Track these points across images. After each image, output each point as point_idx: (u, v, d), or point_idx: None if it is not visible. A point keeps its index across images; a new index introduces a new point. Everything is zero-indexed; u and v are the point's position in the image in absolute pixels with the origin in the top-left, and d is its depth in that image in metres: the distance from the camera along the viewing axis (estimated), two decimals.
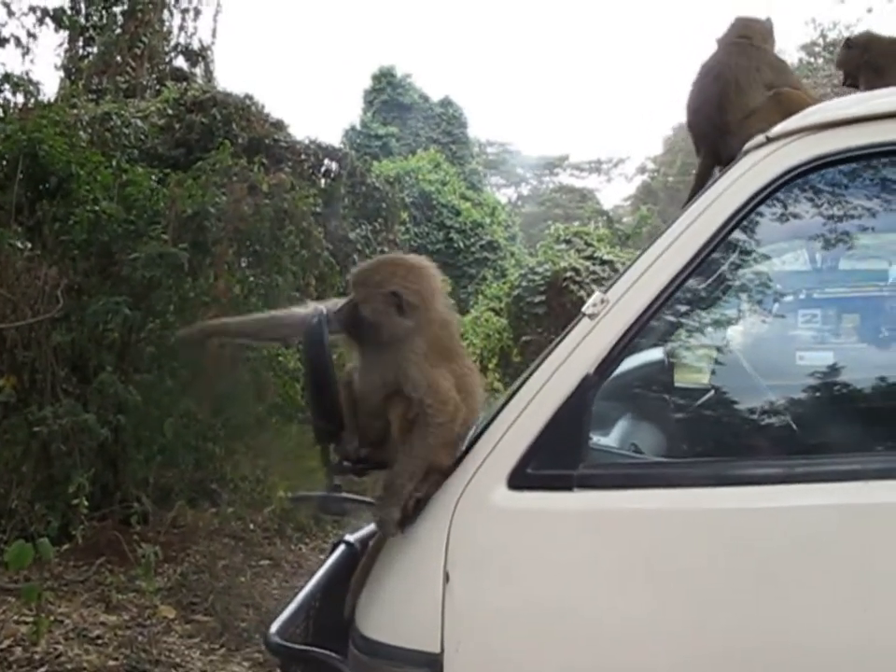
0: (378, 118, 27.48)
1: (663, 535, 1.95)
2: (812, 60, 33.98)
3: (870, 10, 15.67)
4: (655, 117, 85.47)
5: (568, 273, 15.55)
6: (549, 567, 1.99)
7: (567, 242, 17.48)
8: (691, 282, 2.08)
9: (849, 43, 3.74)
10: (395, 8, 78.54)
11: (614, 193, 71.99)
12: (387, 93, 28.05)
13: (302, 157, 12.72)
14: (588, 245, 17.29)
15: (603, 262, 16.35)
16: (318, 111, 64.86)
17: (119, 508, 7.35)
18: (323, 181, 12.71)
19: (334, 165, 13.21)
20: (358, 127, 27.20)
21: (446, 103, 29.21)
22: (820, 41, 33.87)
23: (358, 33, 79.54)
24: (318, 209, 9.69)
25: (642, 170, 45.43)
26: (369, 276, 2.31)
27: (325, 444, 2.29)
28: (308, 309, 2.42)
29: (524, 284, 16.01)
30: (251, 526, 7.86)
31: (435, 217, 21.91)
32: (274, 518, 8.15)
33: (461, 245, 21.86)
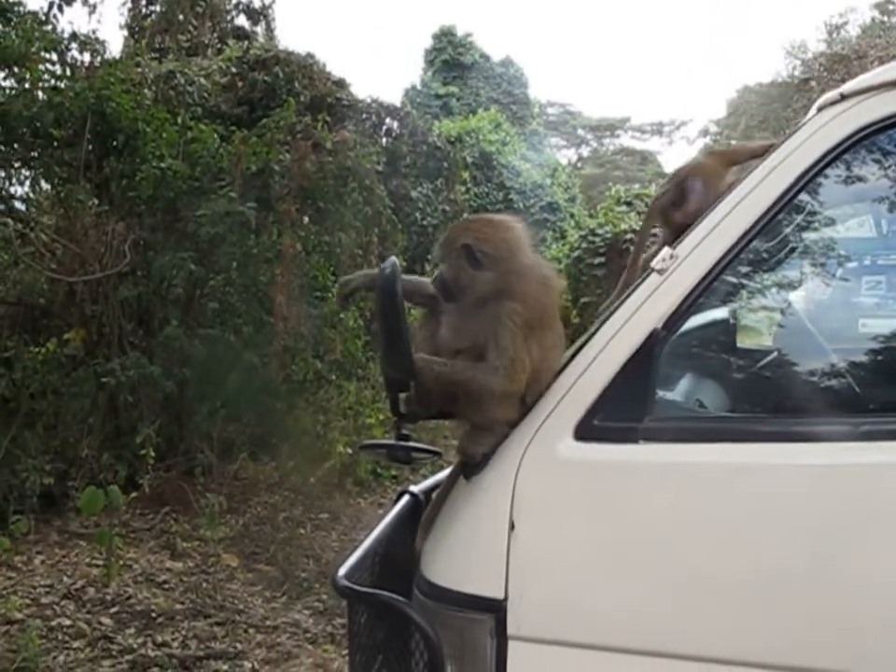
0: (438, 77, 27.27)
1: (726, 488, 1.96)
2: (885, 19, 33.10)
3: None
4: (719, 79, 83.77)
5: (629, 236, 15.38)
6: (613, 518, 2.00)
7: (628, 204, 17.28)
8: (759, 241, 2.07)
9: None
10: None
11: (676, 156, 70.87)
12: (448, 53, 27.80)
13: (364, 116, 12.72)
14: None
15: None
16: (379, 70, 64.59)
17: (184, 459, 7.52)
18: (384, 140, 12.71)
19: (395, 124, 13.20)
20: (419, 86, 27.03)
21: (507, 62, 28.91)
22: None
23: None
24: (380, 168, 9.69)
25: (704, 133, 44.64)
26: (446, 237, 2.33)
27: (395, 394, 2.32)
28: None
29: (583, 246, 15.91)
30: (311, 481, 7.97)
31: (495, 177, 21.74)
32: (334, 472, 8.27)
33: (521, 205, 21.68)
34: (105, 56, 9.02)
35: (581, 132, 45.41)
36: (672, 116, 52.28)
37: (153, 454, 6.76)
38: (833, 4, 51.75)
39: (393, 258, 2.20)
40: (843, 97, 2.07)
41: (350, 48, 63.08)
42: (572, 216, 22.83)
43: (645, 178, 33.97)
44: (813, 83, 28.77)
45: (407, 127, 13.00)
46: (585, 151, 46.59)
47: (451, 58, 27.62)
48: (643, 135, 46.56)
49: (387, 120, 13.21)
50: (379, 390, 9.86)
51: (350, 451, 8.30)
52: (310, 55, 13.68)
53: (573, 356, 2.15)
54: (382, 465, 8.57)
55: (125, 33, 17.06)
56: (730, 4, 72.96)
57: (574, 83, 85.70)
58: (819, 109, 2.12)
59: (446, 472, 2.92)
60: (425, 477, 3.32)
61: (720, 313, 2.29)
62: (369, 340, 9.44)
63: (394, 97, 22.11)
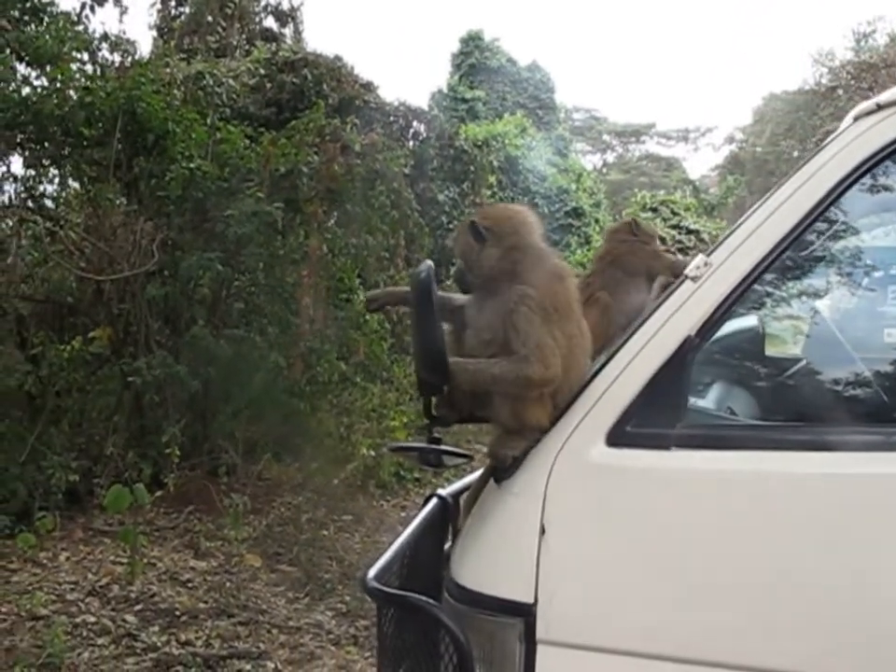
0: (465, 81, 27.26)
1: (757, 496, 1.95)
2: None
3: None
4: (745, 86, 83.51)
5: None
6: (644, 524, 2.00)
7: (654, 210, 17.32)
8: (793, 250, 2.07)
9: None
10: None
11: (701, 163, 70.71)
12: (475, 57, 27.79)
13: (391, 119, 12.74)
14: (674, 213, 17.12)
15: (689, 231, 16.19)
16: (406, 74, 64.85)
17: (208, 459, 7.55)
18: (411, 143, 12.72)
19: (422, 128, 13.22)
20: (445, 90, 27.02)
21: (533, 67, 28.88)
22: None
23: None
24: (407, 171, 9.71)
25: (730, 140, 44.60)
26: (459, 224, 2.38)
27: (428, 397, 2.33)
28: None
29: None
30: (334, 482, 7.98)
31: (521, 181, 21.72)
32: (357, 475, 8.28)
33: (546, 210, 21.66)
34: (136, 57, 9.09)
35: (606, 137, 45.37)
36: (698, 122, 52.25)
37: (178, 453, 6.80)
38: (861, 11, 51.51)
39: (428, 261, 2.21)
40: (879, 107, 2.06)
41: (377, 51, 63.49)
42: (597, 221, 22.78)
43: (670, 185, 33.85)
44: (840, 91, 28.64)
45: (434, 130, 13.02)
46: (611, 157, 46.56)
47: (478, 62, 27.62)
48: (668, 141, 46.51)
49: (414, 124, 13.24)
50: (403, 393, 9.89)
51: (373, 453, 8.31)
52: (338, 58, 13.73)
53: (606, 361, 2.15)
54: (405, 467, 8.57)
55: (154, 34, 17.20)
56: (757, 11, 72.74)
57: (600, 88, 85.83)
58: (856, 119, 2.11)
59: (474, 476, 2.92)
60: (448, 480, 3.32)
61: (752, 321, 2.29)
62: (393, 342, 9.45)
63: (420, 100, 22.14)
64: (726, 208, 27.99)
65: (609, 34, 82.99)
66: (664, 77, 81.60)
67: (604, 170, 42.90)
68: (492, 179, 15.49)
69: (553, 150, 24.27)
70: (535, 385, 2.16)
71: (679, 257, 3.64)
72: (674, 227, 16.28)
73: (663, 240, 15.36)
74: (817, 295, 2.32)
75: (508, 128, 22.62)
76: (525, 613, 2.01)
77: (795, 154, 33.86)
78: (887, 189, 2.11)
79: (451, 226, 12.37)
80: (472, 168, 13.00)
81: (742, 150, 41.99)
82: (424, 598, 2.17)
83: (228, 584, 5.83)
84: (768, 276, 2.09)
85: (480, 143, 16.02)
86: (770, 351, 2.36)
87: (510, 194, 21.07)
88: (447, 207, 12.25)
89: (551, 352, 2.16)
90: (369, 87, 13.43)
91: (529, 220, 2.36)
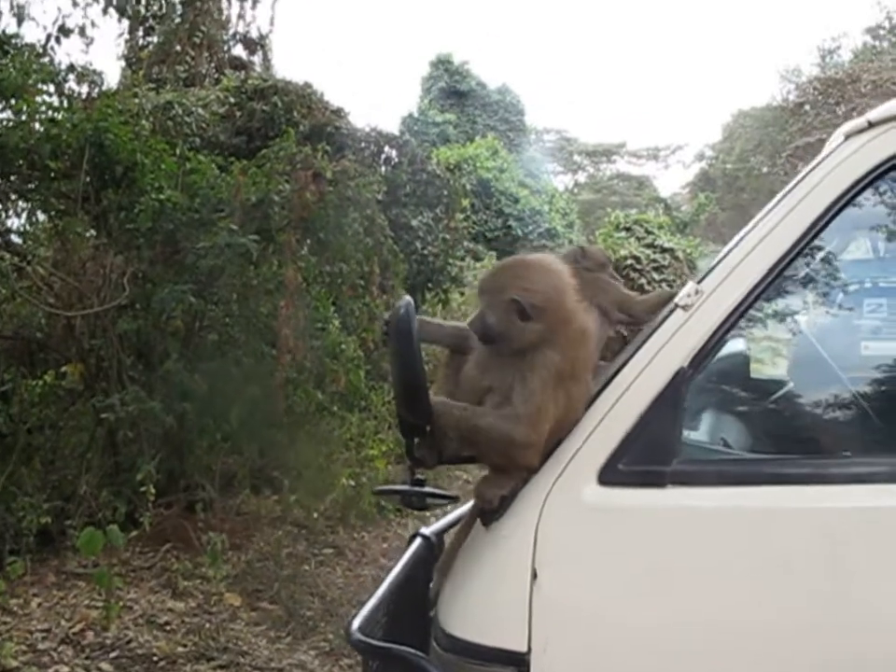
0: (436, 105, 27.39)
1: (760, 535, 1.88)
2: (877, 43, 33.42)
3: None
4: (713, 103, 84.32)
5: (629, 261, 15.41)
6: (641, 566, 1.94)
7: (628, 229, 17.31)
8: (788, 273, 2.01)
9: None
10: None
11: (672, 181, 71.19)
12: (445, 80, 27.97)
13: (363, 144, 12.68)
14: (648, 232, 17.12)
15: (664, 250, 16.20)
16: (376, 99, 64.95)
17: (184, 495, 7.41)
18: (384, 168, 12.67)
19: (394, 153, 13.16)
20: (416, 114, 27.12)
21: (504, 90, 29.07)
22: (886, 24, 33.29)
23: (415, 20, 79.46)
24: (380, 197, 9.64)
25: (700, 157, 44.87)
26: (491, 283, 2.25)
27: (410, 438, 2.24)
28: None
29: None
30: (314, 514, 7.86)
31: (493, 204, 21.79)
32: (337, 506, 8.16)
33: (519, 232, 21.73)
34: (103, 87, 9.00)
35: (577, 157, 45.55)
36: (667, 141, 52.28)
37: (153, 490, 6.64)
38: (826, 28, 52.23)
39: (407, 297, 2.13)
40: (871, 125, 2.00)
41: (347, 77, 63.49)
42: (571, 242, 22.82)
43: (642, 203, 34.06)
44: (807, 107, 29.05)
45: (406, 155, 12.96)
46: (582, 177, 46.74)
47: (448, 86, 27.78)
48: (639, 160, 46.69)
49: (386, 149, 13.17)
50: (381, 421, 9.79)
51: (353, 483, 8.21)
52: (307, 84, 13.66)
53: (595, 397, 2.08)
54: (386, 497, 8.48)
55: (122, 64, 17.09)
56: (724, 29, 73.62)
57: (570, 109, 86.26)
58: (847, 137, 2.05)
59: (458, 512, 2.85)
60: (434, 514, 3.24)
61: (748, 349, 2.23)
62: (370, 369, 9.35)
63: (391, 125, 22.09)
64: (698, 225, 28.17)
65: (579, 55, 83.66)
66: (633, 96, 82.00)
67: (575, 190, 43.05)
68: (466, 203, 15.46)
69: (524, 172, 24.38)
70: (517, 446, 2.08)
71: (628, 291, 3.50)
72: (648, 245, 16.29)
73: (637, 259, 15.45)
74: (818, 321, 2.26)
75: (479, 151, 22.72)
76: (518, 662, 1.93)
77: (765, 170, 34.25)
78: (882, 207, 2.06)
79: (425, 251, 12.33)
80: (446, 192, 12.93)
81: (712, 167, 42.31)
82: (409, 650, 2.09)
83: (207, 626, 5.67)
84: (763, 302, 2.03)
85: (452, 166, 16.02)
86: (762, 377, 2.30)
87: (483, 217, 21.12)
88: (421, 232, 12.19)
89: (544, 417, 2.07)
90: (339, 113, 13.36)
91: (568, 282, 2.24)
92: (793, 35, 76.93)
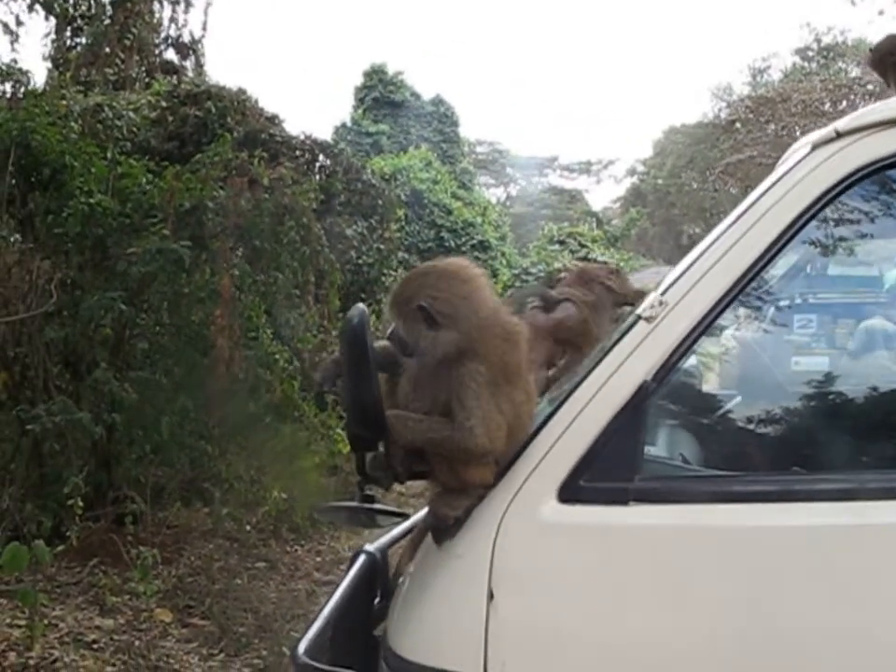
0: (369, 115, 27.31)
1: (725, 553, 1.84)
2: (805, 64, 34.19)
3: (881, 13, 15.55)
4: (645, 119, 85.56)
5: (563, 274, 15.46)
6: (603, 585, 1.89)
7: (561, 242, 17.48)
8: (755, 285, 1.97)
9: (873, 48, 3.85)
10: (386, 5, 78.40)
11: (603, 195, 72.09)
12: (378, 91, 27.89)
13: (297, 152, 12.57)
14: (582, 245, 17.29)
15: (597, 263, 16.33)
16: (309, 108, 64.74)
17: (113, 508, 7.21)
18: (318, 177, 12.56)
19: (328, 162, 13.08)
20: (349, 124, 27.04)
21: (437, 101, 29.07)
22: (815, 45, 34.10)
23: (349, 29, 79.46)
24: (315, 205, 9.54)
25: (632, 172, 45.48)
26: (399, 294, 2.15)
27: (362, 453, 2.15)
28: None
29: (517, 284, 15.96)
30: (246, 527, 7.72)
31: (426, 215, 21.79)
32: (269, 519, 8.03)
33: (452, 244, 21.74)
34: (29, 87, 8.77)
35: (509, 170, 45.82)
36: (599, 155, 53.02)
37: (80, 503, 6.44)
38: (756, 48, 53.32)
39: (361, 305, 2.04)
40: (839, 135, 1.97)
41: (279, 84, 63.25)
42: (503, 254, 22.94)
43: (573, 217, 34.30)
44: (738, 125, 29.60)
45: (341, 164, 12.88)
46: (514, 190, 47.04)
47: (381, 96, 27.73)
48: (571, 174, 47.17)
49: (321, 157, 13.08)
50: (313, 432, 9.65)
51: (285, 496, 8.07)
52: (242, 90, 13.51)
53: (554, 411, 2.02)
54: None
55: (49, 65, 16.72)
56: (657, 46, 74.73)
57: (503, 122, 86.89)
58: (814, 147, 2.02)
59: (402, 527, 2.77)
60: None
61: (712, 363, 2.19)
62: (303, 380, 9.23)
63: (325, 134, 21.93)
64: (629, 240, 28.53)
65: (512, 67, 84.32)
66: (565, 110, 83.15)
67: (508, 203, 43.29)
68: (401, 213, 15.42)
69: (457, 184, 24.43)
70: (475, 456, 2.01)
71: None
72: (582, 259, 16.44)
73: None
74: (785, 333, 2.23)
75: (413, 162, 22.71)
76: None
77: (695, 186, 34.81)
78: (853, 218, 2.03)
79: (360, 261, 12.25)
80: (380, 202, 12.88)
81: (643, 182, 42.89)
82: None
83: (137, 643, 5.50)
84: (729, 314, 1.99)
85: (387, 177, 15.97)
86: (726, 392, 2.27)
87: (415, 228, 21.09)
88: (356, 242, 12.11)
89: (497, 426, 2.00)
90: (273, 120, 13.25)
91: (482, 287, 2.16)
92: (725, 53, 78.49)
